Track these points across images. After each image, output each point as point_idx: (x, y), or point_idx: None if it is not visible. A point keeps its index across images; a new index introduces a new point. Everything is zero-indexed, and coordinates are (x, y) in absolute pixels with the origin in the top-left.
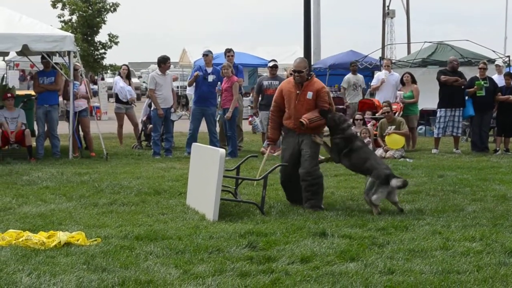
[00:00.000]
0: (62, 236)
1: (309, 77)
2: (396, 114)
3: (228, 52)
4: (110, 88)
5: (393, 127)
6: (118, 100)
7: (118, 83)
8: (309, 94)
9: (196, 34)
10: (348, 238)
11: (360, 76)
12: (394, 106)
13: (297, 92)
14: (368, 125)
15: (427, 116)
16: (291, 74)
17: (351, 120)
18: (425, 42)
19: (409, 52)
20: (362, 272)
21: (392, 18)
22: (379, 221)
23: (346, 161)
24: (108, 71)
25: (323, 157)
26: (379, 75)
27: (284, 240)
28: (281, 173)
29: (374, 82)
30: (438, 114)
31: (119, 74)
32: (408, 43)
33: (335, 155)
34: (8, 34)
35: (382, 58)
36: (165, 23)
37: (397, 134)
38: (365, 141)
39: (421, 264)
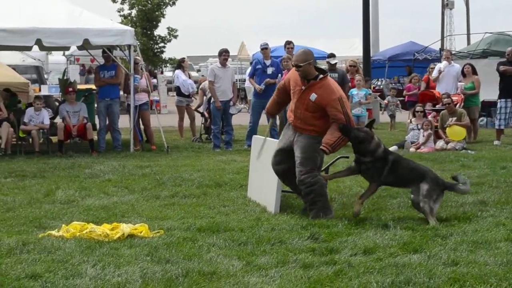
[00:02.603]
0: (125, 228)
1: (321, 77)
2: (457, 106)
3: (288, 44)
4: (169, 82)
5: (454, 118)
6: (179, 94)
7: (180, 76)
8: (313, 96)
9: (255, 27)
10: (410, 230)
11: None
12: (455, 98)
13: (302, 87)
14: (429, 116)
15: (489, 108)
16: (350, 66)
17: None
18: (485, 33)
19: (468, 43)
20: (425, 264)
21: (451, 9)
22: (441, 213)
23: (391, 178)
24: (168, 65)
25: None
26: (438, 67)
27: (346, 232)
28: (273, 165)
29: (434, 74)
30: (498, 105)
31: (180, 68)
32: (468, 34)
33: (376, 177)
34: (69, 29)
35: (442, 49)
36: (223, 17)
37: (458, 125)
38: (426, 133)
39: (485, 256)
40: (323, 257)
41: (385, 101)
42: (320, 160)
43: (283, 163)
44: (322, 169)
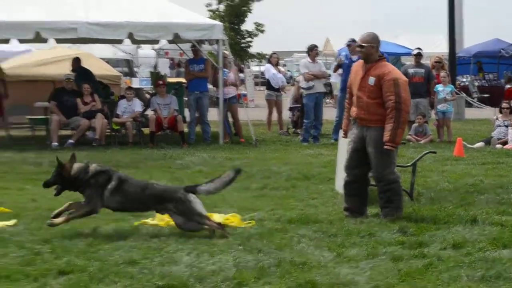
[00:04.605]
0: (217, 218)
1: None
2: None
3: None
4: (256, 76)
5: None
6: (269, 87)
7: (270, 70)
8: (371, 80)
9: (339, 23)
10: (499, 225)
11: None
12: None
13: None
14: None
15: None
16: (435, 62)
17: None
18: None
19: None
20: None
21: None
22: None
23: (117, 199)
24: (255, 59)
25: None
26: None
27: (434, 226)
28: (345, 170)
29: None
30: None
31: (269, 62)
32: None
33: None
34: (159, 23)
35: None
36: (309, 12)
37: None
38: None
39: None
40: (412, 250)
41: None
42: (395, 152)
43: (358, 167)
44: (409, 164)
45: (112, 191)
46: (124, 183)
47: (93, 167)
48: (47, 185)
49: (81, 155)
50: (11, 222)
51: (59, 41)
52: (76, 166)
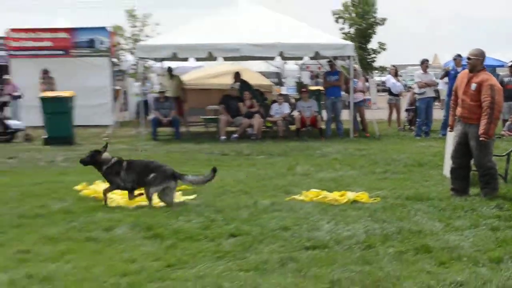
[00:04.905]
0: (350, 195)
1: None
2: None
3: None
4: (378, 84)
5: None
6: (390, 93)
7: (390, 79)
8: (473, 86)
9: (445, 39)
10: None
11: None
12: None
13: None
14: None
15: None
16: None
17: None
18: None
19: None
20: None
21: None
22: None
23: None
24: (378, 71)
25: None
26: None
27: None
28: (451, 159)
29: None
30: None
31: (390, 73)
32: None
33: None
34: (304, 43)
35: None
36: (419, 33)
37: None
38: None
39: None
40: (507, 222)
41: None
42: (492, 144)
43: (462, 156)
44: (504, 154)
45: (126, 169)
46: (131, 163)
47: (114, 159)
48: (84, 162)
49: (242, 146)
50: (192, 196)
51: (225, 59)
52: (105, 155)
